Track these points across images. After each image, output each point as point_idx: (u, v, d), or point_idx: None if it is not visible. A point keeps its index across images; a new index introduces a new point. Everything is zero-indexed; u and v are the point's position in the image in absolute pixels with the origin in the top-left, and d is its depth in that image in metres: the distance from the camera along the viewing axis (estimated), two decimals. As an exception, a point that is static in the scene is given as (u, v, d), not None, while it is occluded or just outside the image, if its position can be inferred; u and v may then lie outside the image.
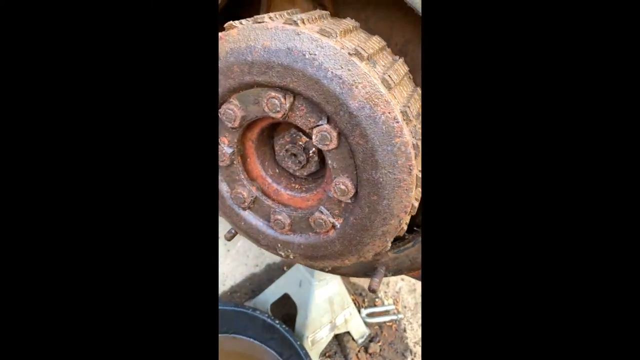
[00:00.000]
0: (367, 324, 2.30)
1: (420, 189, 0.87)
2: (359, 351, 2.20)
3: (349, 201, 0.88)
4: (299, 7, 1.04)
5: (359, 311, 2.32)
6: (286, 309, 2.21)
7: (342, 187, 0.85)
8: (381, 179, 0.79)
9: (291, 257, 1.08)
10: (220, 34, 0.80)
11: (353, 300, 2.40)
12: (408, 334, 2.36)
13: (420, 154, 0.80)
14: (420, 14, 0.78)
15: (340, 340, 2.22)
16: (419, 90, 0.89)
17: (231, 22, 0.79)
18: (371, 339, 2.28)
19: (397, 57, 0.88)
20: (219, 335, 2.00)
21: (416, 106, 0.82)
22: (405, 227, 0.91)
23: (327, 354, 2.16)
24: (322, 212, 0.93)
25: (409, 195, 0.81)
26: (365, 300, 2.50)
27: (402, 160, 0.76)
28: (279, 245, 1.07)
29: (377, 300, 2.50)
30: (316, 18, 0.80)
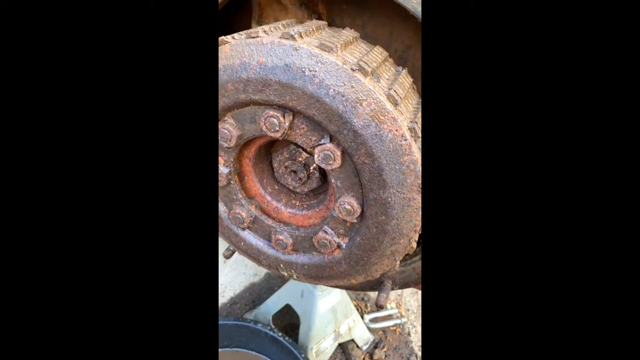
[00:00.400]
0: (370, 330, 2.27)
1: None
2: (363, 358, 2.16)
3: (355, 221, 0.83)
4: (292, 16, 0.99)
5: (362, 317, 2.28)
6: (289, 319, 2.17)
7: (348, 207, 0.80)
8: (389, 199, 0.75)
9: (294, 277, 1.04)
10: None
11: (355, 306, 2.36)
12: (412, 338, 2.33)
13: (429, 171, 0.76)
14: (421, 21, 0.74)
15: (344, 348, 2.18)
16: (425, 101, 0.84)
17: (223, 37, 0.74)
18: (376, 345, 2.24)
19: (401, 68, 0.84)
20: (222, 349, 1.95)
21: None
22: (415, 245, 0.87)
23: (331, 363, 2.13)
24: (326, 232, 0.89)
25: (419, 214, 0.77)
26: (368, 305, 2.47)
27: (412, 179, 0.72)
28: (282, 265, 1.02)
29: (379, 304, 2.47)
30: (314, 30, 0.75)
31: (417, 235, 0.84)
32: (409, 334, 2.35)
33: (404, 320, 2.36)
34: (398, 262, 0.89)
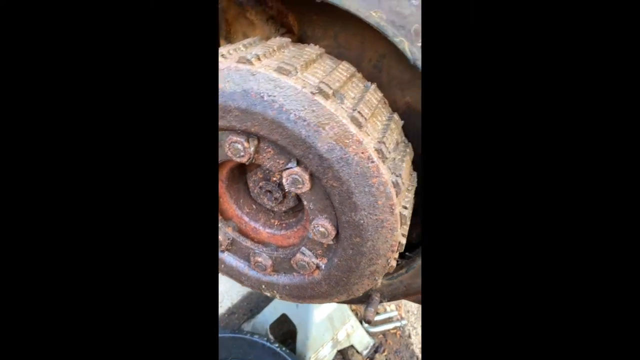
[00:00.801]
0: (370, 334, 2.25)
1: (406, 226, 0.81)
2: (364, 363, 2.15)
3: (331, 242, 0.81)
4: (259, 31, 0.96)
5: (361, 322, 2.27)
6: (287, 327, 2.16)
7: (322, 229, 0.78)
8: (362, 221, 0.72)
9: (278, 297, 1.02)
10: None
11: (354, 311, 2.34)
12: (413, 340, 2.31)
13: (403, 190, 0.73)
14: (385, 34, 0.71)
15: (344, 354, 2.17)
16: (396, 116, 0.82)
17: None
18: (376, 349, 2.23)
19: (369, 84, 0.81)
20: (219, 362, 1.94)
21: (393, 137, 0.75)
22: (395, 264, 0.85)
23: (332, 370, 2.11)
24: (304, 254, 0.87)
25: (393, 234, 0.74)
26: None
27: (383, 200, 0.70)
28: (263, 286, 1.00)
29: (379, 307, 2.45)
30: (274, 50, 0.72)
31: (396, 254, 0.81)
32: (409, 336, 2.33)
33: (404, 322, 2.34)
34: (379, 281, 0.87)
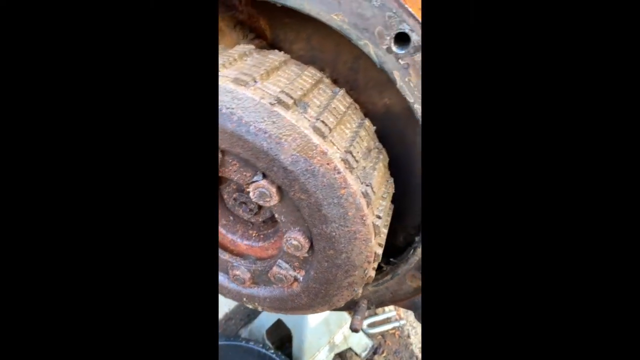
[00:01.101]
0: (369, 335, 2.23)
1: (383, 235, 0.78)
2: (363, 365, 2.13)
3: (306, 255, 0.78)
4: (228, 38, 0.93)
5: (359, 323, 2.24)
6: (283, 332, 2.14)
7: (295, 242, 0.75)
8: (334, 233, 0.70)
9: (260, 309, 0.99)
10: None
11: (350, 314, 2.32)
12: (412, 340, 2.29)
13: (374, 199, 0.70)
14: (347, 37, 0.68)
15: (343, 357, 2.15)
16: (367, 122, 0.78)
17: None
18: (375, 351, 2.21)
19: (338, 90, 0.78)
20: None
21: (363, 145, 0.72)
22: (373, 274, 0.82)
23: (330, 374, 2.10)
24: (280, 267, 0.84)
25: (368, 245, 0.71)
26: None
27: (353, 212, 0.67)
28: (244, 299, 0.98)
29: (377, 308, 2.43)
30: (236, 59, 0.69)
31: (373, 264, 0.78)
32: (408, 336, 2.31)
33: (402, 322, 2.32)
34: (359, 291, 0.84)
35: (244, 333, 2.20)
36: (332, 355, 2.02)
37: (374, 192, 0.69)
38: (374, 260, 0.76)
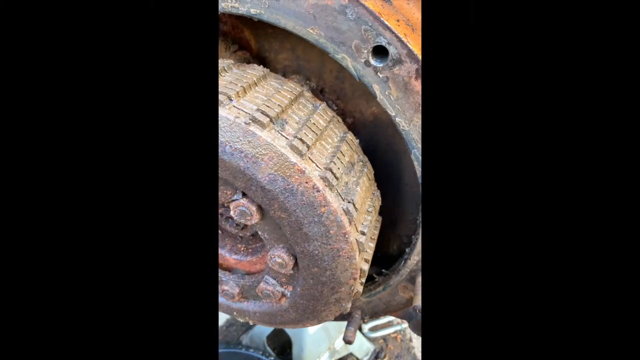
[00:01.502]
0: (370, 340, 2.22)
1: (369, 250, 0.76)
2: (365, 370, 2.12)
3: (292, 271, 0.77)
4: (211, 51, 0.91)
5: (360, 327, 2.23)
6: (283, 338, 2.13)
7: (279, 260, 0.74)
8: (316, 251, 0.68)
9: (251, 322, 0.99)
10: None
11: (353, 315, 2.31)
12: (414, 343, 2.27)
13: (357, 215, 0.68)
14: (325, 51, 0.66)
15: (344, 362, 2.14)
16: (350, 136, 0.77)
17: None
18: (377, 355, 2.19)
19: (318, 104, 0.76)
20: (217, 376, 1.93)
21: (345, 160, 0.70)
22: (361, 289, 0.80)
23: (332, 379, 2.08)
24: (267, 283, 0.83)
25: (352, 262, 0.70)
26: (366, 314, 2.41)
27: (335, 230, 0.65)
28: (235, 313, 0.97)
29: (378, 311, 2.42)
30: (213, 76, 0.68)
31: (360, 280, 0.77)
32: (410, 340, 2.29)
33: (404, 325, 2.30)
34: (348, 307, 0.83)
35: (244, 339, 2.20)
36: (333, 360, 2.02)
37: (356, 208, 0.67)
38: (360, 277, 0.75)
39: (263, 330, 2.10)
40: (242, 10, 0.68)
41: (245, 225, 0.88)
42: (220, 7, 0.69)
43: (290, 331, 1.94)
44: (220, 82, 0.68)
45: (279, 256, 0.73)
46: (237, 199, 0.67)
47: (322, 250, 0.68)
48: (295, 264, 0.75)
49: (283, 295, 0.84)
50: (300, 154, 0.61)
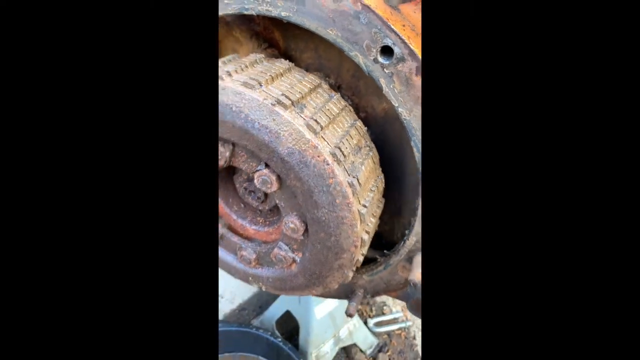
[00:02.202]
0: (375, 334, 2.29)
1: (370, 223, 0.87)
2: (367, 362, 2.20)
3: (302, 237, 0.89)
4: (245, 47, 1.06)
5: (366, 321, 2.31)
6: (292, 324, 2.24)
7: (292, 225, 0.86)
8: (324, 217, 0.80)
9: (263, 288, 1.11)
10: None
11: (359, 310, 2.39)
12: (417, 341, 2.33)
13: (360, 190, 0.80)
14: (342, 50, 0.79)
15: (348, 352, 2.22)
16: (359, 123, 0.89)
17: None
18: (380, 349, 2.27)
19: (333, 94, 0.89)
20: (228, 354, 2.06)
21: (353, 142, 0.82)
22: (361, 259, 0.91)
23: (335, 367, 2.18)
24: (280, 248, 0.95)
25: (354, 230, 0.81)
26: (373, 309, 2.49)
27: (340, 199, 0.77)
28: (250, 278, 1.10)
29: (385, 308, 2.49)
30: (247, 66, 0.82)
31: (361, 249, 0.88)
32: (414, 338, 2.35)
33: (409, 323, 2.36)
34: (350, 275, 0.93)
35: (255, 323, 2.33)
36: (337, 348, 2.10)
37: (360, 183, 0.79)
38: (361, 246, 0.86)
39: (273, 315, 2.22)
40: (274, 12, 0.82)
41: (265, 200, 1.01)
42: (256, 10, 0.83)
43: (298, 316, 2.05)
44: (252, 71, 0.82)
45: (292, 222, 0.86)
46: (260, 169, 0.80)
47: (328, 217, 0.80)
48: (306, 230, 0.87)
49: (294, 261, 0.96)
50: (315, 132, 0.73)
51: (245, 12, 0.83)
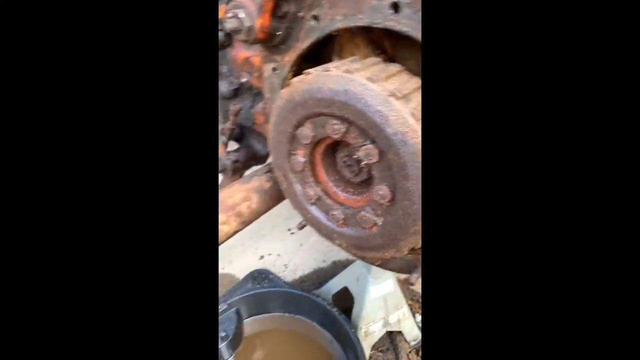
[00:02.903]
0: (421, 329, 2.43)
1: None
2: (410, 352, 2.34)
3: (388, 204, 1.12)
4: (362, 52, 1.33)
5: (414, 316, 2.46)
6: (346, 302, 2.48)
7: (382, 192, 1.10)
8: (411, 188, 1.03)
9: (343, 246, 1.36)
10: (300, 77, 1.13)
11: (410, 305, 2.54)
12: (462, 346, 2.41)
13: (444, 171, 1.01)
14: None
15: (393, 338, 2.39)
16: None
17: (307, 70, 1.12)
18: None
19: (432, 94, 1.11)
20: (286, 315, 2.35)
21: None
22: (434, 229, 1.11)
23: (379, 349, 2.36)
24: (366, 212, 1.20)
25: (433, 202, 1.02)
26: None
27: (427, 175, 0.99)
28: (335, 235, 1.36)
29: (434, 308, 2.60)
30: (368, 65, 1.08)
31: (435, 221, 1.08)
32: (459, 342, 2.43)
33: (456, 327, 2.45)
34: (419, 244, 1.14)
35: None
36: (385, 330, 2.29)
37: (444, 165, 1.00)
38: (436, 217, 1.07)
39: (330, 290, 2.47)
40: (397, 27, 1.06)
41: (358, 173, 1.26)
42: (383, 24, 1.09)
43: (354, 293, 2.28)
44: (373, 69, 1.07)
45: (382, 190, 1.09)
46: (367, 144, 1.06)
47: (414, 188, 1.02)
48: (392, 198, 1.10)
49: (375, 224, 1.20)
50: (417, 119, 0.96)
51: (374, 26, 1.09)
